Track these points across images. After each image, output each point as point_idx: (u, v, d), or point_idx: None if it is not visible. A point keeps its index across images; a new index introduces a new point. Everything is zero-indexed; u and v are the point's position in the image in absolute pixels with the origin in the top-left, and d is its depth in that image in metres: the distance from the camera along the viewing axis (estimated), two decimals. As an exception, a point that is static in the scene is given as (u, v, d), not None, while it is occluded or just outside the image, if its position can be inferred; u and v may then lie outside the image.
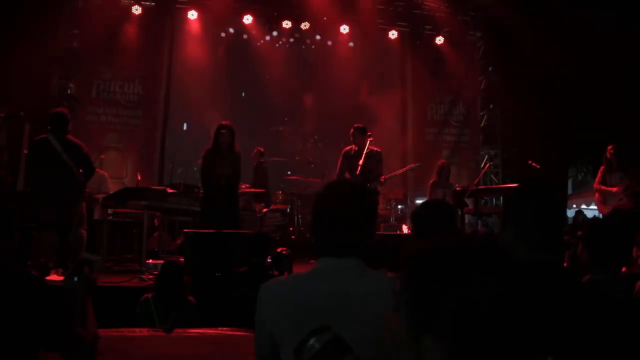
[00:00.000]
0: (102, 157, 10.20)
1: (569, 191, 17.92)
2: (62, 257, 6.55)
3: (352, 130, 8.36)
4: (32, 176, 7.04)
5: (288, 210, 10.28)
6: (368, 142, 8.16)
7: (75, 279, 2.38)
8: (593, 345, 1.92)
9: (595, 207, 14.97)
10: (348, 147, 8.44)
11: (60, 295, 2.40)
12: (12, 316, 2.13)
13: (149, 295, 4.60)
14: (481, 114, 13.57)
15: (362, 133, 8.27)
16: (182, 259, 5.49)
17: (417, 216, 3.04)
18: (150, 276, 6.08)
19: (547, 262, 2.11)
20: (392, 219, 10.90)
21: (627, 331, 2.01)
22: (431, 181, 9.58)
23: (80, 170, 6.76)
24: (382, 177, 8.38)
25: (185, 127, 13.36)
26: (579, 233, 2.99)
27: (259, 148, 10.97)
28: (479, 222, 10.17)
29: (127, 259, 8.25)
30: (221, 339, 3.46)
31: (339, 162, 8.45)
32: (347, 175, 8.08)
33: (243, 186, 9.26)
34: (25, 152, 7.85)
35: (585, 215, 15.52)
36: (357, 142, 8.25)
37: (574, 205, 19.67)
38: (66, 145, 6.69)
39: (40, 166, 6.70)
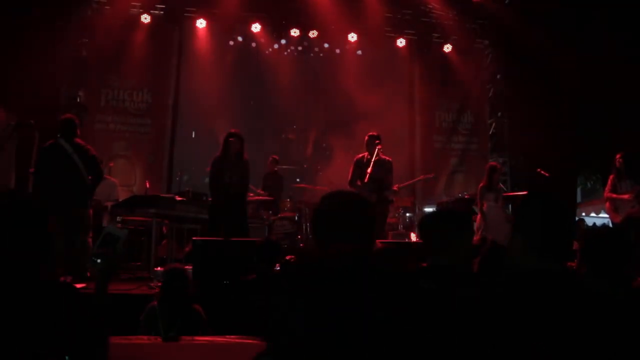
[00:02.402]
0: (110, 165, 10.25)
1: (578, 199, 17.81)
2: (69, 265, 6.57)
3: (366, 138, 8.41)
4: (41, 179, 7.07)
5: (296, 218, 10.26)
6: (377, 150, 8.18)
7: (99, 260, 2.23)
8: (594, 353, 1.91)
9: (605, 215, 14.89)
10: (360, 155, 8.48)
11: (92, 303, 2.32)
12: (42, 327, 2.09)
13: (154, 303, 4.59)
14: (489, 121, 13.54)
15: (372, 141, 8.31)
16: (185, 266, 5.47)
17: (424, 225, 3.02)
18: (159, 284, 6.09)
19: (554, 270, 2.10)
20: (400, 227, 10.87)
21: (629, 342, 1.99)
22: (481, 185, 9.25)
23: (90, 177, 6.81)
24: (396, 185, 8.42)
25: (193, 135, 13.39)
26: (576, 246, 2.96)
27: (274, 156, 11.03)
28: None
29: (135, 266, 8.26)
30: (229, 347, 3.44)
31: (351, 170, 8.48)
32: (359, 183, 8.11)
33: (251, 194, 9.28)
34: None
35: (586, 224, 15.38)
36: (369, 150, 8.29)
37: (583, 214, 19.56)
38: (76, 148, 6.76)
39: (50, 169, 6.75)
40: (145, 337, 3.63)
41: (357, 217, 2.21)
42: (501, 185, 9.26)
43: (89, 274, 6.79)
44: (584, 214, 19.46)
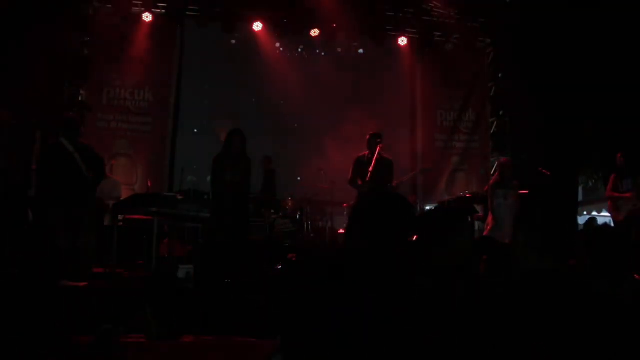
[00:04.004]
0: (112, 162, 10.27)
1: (580, 198, 17.81)
2: (71, 263, 6.59)
3: (367, 136, 8.44)
4: (44, 179, 7.09)
5: (297, 216, 10.27)
6: (378, 148, 8.19)
7: None
8: (594, 350, 1.91)
9: (606, 214, 14.87)
10: (361, 154, 8.50)
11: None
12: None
13: (144, 305, 4.55)
14: (491, 120, 13.51)
15: (374, 139, 8.33)
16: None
17: (420, 224, 3.00)
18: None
19: (556, 268, 2.10)
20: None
21: (630, 337, 1.99)
22: (491, 182, 9.12)
23: (91, 176, 6.82)
24: (394, 182, 8.44)
25: (195, 133, 13.42)
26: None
27: (267, 155, 11.04)
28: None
29: (136, 265, 8.27)
30: (231, 346, 3.46)
31: (352, 168, 8.50)
32: (359, 181, 8.13)
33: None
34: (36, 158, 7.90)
35: (597, 223, 15.37)
36: (371, 149, 8.31)
37: (585, 212, 19.56)
38: (78, 148, 6.77)
39: (52, 169, 6.76)
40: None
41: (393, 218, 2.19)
42: (516, 182, 9.00)
43: (90, 272, 6.82)
44: (585, 212, 19.46)
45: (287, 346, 1.17)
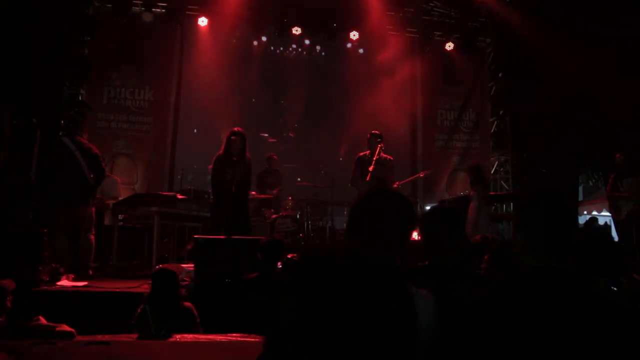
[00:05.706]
0: (112, 162, 10.27)
1: (580, 197, 17.82)
2: (72, 262, 6.59)
3: (368, 136, 8.46)
4: (44, 178, 7.10)
5: (298, 216, 10.27)
6: (378, 148, 8.20)
7: None
8: (595, 352, 1.91)
9: (607, 214, 14.87)
10: (362, 153, 8.52)
11: None
12: None
13: (143, 305, 4.54)
14: (491, 120, 13.52)
15: (374, 139, 8.34)
16: (172, 267, 5.45)
17: (422, 222, 3.00)
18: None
19: (556, 268, 2.09)
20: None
21: (630, 339, 1.98)
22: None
23: (92, 175, 6.82)
24: (396, 183, 8.44)
25: (195, 132, 13.43)
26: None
27: (272, 154, 11.06)
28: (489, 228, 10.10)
29: (136, 264, 8.27)
30: (231, 345, 3.46)
31: (353, 168, 8.50)
32: (360, 181, 8.14)
33: (254, 192, 9.30)
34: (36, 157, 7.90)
35: (598, 222, 15.38)
36: (371, 149, 8.32)
37: (585, 212, 19.57)
38: (79, 146, 6.78)
39: (52, 166, 6.77)
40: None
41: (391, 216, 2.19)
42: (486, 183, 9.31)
43: (90, 272, 6.82)
44: (585, 212, 19.48)
45: (275, 346, 1.17)
